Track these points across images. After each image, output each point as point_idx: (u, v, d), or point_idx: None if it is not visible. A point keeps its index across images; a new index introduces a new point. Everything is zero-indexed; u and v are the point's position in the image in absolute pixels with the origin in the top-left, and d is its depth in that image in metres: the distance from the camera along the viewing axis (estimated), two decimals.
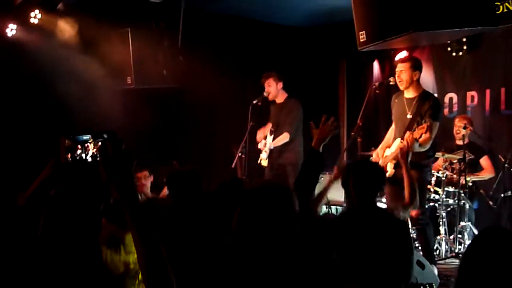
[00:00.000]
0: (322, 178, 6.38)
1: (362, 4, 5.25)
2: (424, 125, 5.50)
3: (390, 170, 5.80)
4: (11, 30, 7.22)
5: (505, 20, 7.51)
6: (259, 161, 7.36)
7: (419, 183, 5.52)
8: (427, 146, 5.81)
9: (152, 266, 1.84)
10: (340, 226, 3.91)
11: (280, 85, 7.36)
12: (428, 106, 5.83)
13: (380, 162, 5.87)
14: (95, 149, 1.99)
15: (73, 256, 2.06)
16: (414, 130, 5.59)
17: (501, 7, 7.47)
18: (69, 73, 7.10)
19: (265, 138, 7.34)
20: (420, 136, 5.50)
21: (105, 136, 1.98)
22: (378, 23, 5.10)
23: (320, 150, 3.81)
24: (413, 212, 5.45)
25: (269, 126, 7.36)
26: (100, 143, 1.96)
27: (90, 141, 1.99)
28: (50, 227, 2.04)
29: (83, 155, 2.01)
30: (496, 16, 5.33)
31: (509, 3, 7.44)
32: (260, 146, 7.38)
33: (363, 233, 3.73)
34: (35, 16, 7.17)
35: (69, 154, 2.00)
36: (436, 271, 5.41)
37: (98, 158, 1.92)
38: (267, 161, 7.28)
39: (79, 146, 2.00)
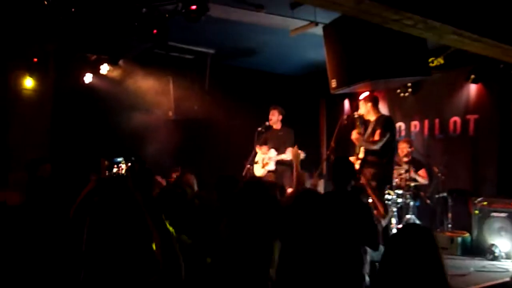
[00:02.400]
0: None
1: (332, 60, 5.23)
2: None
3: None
4: (88, 78, 7.26)
5: (437, 70, 7.49)
6: (256, 173, 7.20)
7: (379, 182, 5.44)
8: (376, 147, 5.62)
9: (166, 254, 1.78)
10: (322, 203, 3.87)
11: (281, 117, 7.32)
12: (382, 121, 5.72)
13: None
14: (126, 168, 1.97)
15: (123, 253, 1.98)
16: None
17: (435, 61, 7.44)
18: (127, 109, 7.13)
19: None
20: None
21: (133, 158, 1.96)
22: (344, 74, 5.05)
23: None
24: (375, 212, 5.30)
25: (263, 147, 7.23)
26: (129, 164, 1.94)
27: (122, 162, 1.97)
28: (95, 227, 1.97)
29: (119, 171, 1.99)
30: (429, 68, 5.27)
31: (441, 58, 7.39)
32: (264, 157, 7.20)
33: (336, 208, 3.67)
34: (104, 69, 7.22)
35: (107, 171, 1.98)
36: None
37: (128, 175, 1.90)
38: (265, 172, 7.15)
39: (115, 166, 1.98)
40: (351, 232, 3.61)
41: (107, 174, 2.01)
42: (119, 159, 2.00)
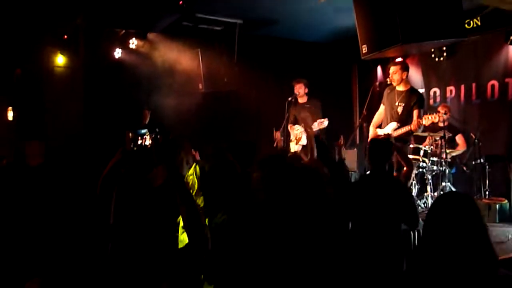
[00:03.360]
0: None
1: (363, 25, 5.07)
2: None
3: None
4: (117, 53, 7.30)
5: (473, 32, 7.21)
6: (289, 148, 7.14)
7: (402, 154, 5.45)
8: (420, 130, 5.71)
9: (192, 226, 1.78)
10: (360, 186, 3.97)
11: (307, 90, 7.20)
12: (415, 99, 5.68)
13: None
14: (150, 140, 1.97)
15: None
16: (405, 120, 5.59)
17: (471, 22, 7.15)
18: (156, 83, 7.15)
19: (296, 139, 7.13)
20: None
21: (157, 130, 1.96)
22: (375, 39, 4.90)
23: None
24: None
25: (294, 126, 7.13)
26: (153, 135, 1.94)
27: (146, 134, 1.97)
28: (122, 200, 1.98)
29: (144, 143, 1.98)
30: (465, 29, 5.04)
31: (477, 20, 7.10)
32: (296, 133, 7.12)
33: (375, 190, 3.72)
34: (133, 43, 7.24)
35: (133, 143, 1.98)
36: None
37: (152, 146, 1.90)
38: (299, 147, 7.06)
39: (139, 138, 1.98)
40: (391, 212, 3.65)
41: (132, 146, 2.01)
42: (143, 131, 2.00)
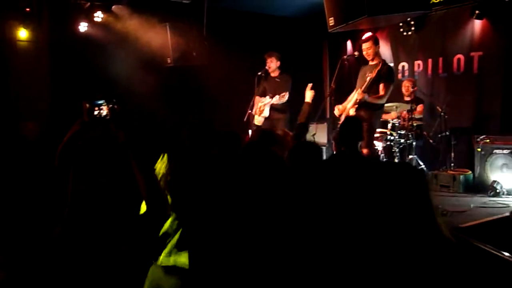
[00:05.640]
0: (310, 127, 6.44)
1: None
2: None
3: (352, 112, 5.73)
4: (83, 26, 7.15)
5: (440, 6, 7.32)
6: (254, 122, 7.19)
7: (370, 125, 5.57)
8: (382, 101, 5.81)
9: (150, 192, 1.80)
10: (330, 165, 3.89)
11: (279, 63, 7.20)
12: (385, 71, 5.77)
13: (344, 114, 5.84)
14: (107, 110, 1.97)
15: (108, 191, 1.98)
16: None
17: None
18: (123, 56, 7.05)
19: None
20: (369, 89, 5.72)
21: (114, 100, 1.96)
22: (341, 11, 4.94)
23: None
24: (364, 150, 5.39)
25: (262, 98, 7.18)
26: (110, 105, 1.95)
27: (104, 104, 1.97)
28: (80, 174, 1.97)
29: (101, 114, 1.99)
30: (428, 2, 5.13)
31: None
32: (260, 105, 7.16)
33: (347, 169, 3.69)
34: (98, 16, 7.09)
35: (89, 114, 1.98)
36: None
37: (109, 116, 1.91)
38: (261, 119, 7.12)
39: (96, 108, 1.98)
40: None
41: (89, 117, 2.01)
42: (100, 102, 2.00)
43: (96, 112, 1.99)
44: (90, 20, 7.14)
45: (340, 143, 4.02)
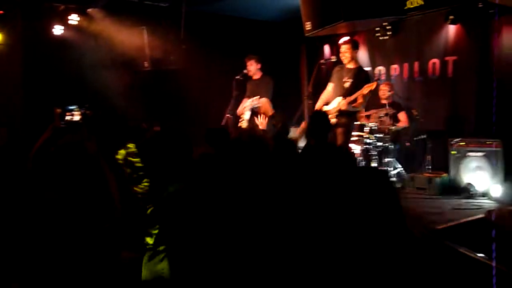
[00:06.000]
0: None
1: (307, 1, 5.12)
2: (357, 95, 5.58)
3: (333, 120, 5.79)
4: (57, 29, 7.05)
5: (416, 11, 7.44)
6: (239, 125, 7.19)
7: (347, 129, 5.64)
8: (360, 108, 5.90)
9: (122, 195, 1.78)
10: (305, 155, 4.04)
11: (259, 66, 7.21)
12: (363, 77, 5.85)
13: None
14: (80, 115, 1.95)
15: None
16: (351, 95, 5.74)
17: (413, 1, 7.37)
18: (99, 60, 6.96)
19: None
20: (353, 101, 5.71)
21: (86, 105, 1.94)
22: (318, 16, 4.97)
23: None
24: None
25: (245, 100, 7.19)
26: (83, 111, 1.92)
27: (76, 109, 1.95)
28: (53, 179, 1.94)
29: (73, 119, 1.96)
30: (403, 8, 5.21)
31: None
32: (244, 107, 7.16)
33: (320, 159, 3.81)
34: (73, 19, 7.00)
35: (61, 120, 1.95)
36: None
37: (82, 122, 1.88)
38: (247, 123, 7.12)
39: (68, 113, 1.95)
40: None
41: (60, 122, 1.97)
42: (72, 107, 1.97)
43: (68, 118, 1.96)
44: (65, 23, 7.04)
45: (310, 136, 4.10)
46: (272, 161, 2.74)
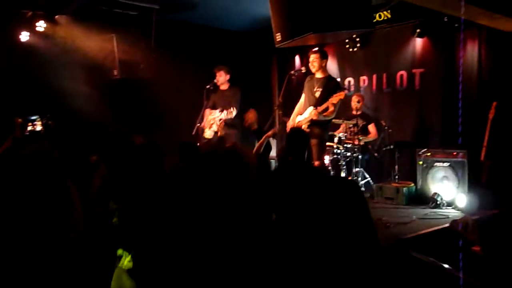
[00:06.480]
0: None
1: (277, 13, 5.16)
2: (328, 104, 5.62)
3: (305, 129, 5.85)
4: (24, 36, 6.89)
5: (384, 24, 7.60)
6: (203, 135, 7.18)
7: (321, 140, 5.69)
8: (332, 117, 5.95)
9: (85, 207, 1.74)
10: (280, 174, 4.02)
11: (228, 76, 7.27)
12: (333, 86, 5.92)
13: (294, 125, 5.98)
14: (41, 125, 1.90)
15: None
16: (322, 105, 5.77)
17: (382, 14, 7.52)
18: (66, 67, 6.82)
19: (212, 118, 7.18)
20: (324, 110, 5.74)
21: (48, 115, 1.89)
22: (288, 27, 5.01)
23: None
24: (316, 162, 5.51)
25: (212, 111, 7.19)
26: (45, 121, 1.88)
27: (37, 119, 1.90)
28: (13, 190, 1.88)
29: (34, 129, 1.91)
30: (372, 20, 5.30)
31: (387, 12, 7.48)
32: (209, 119, 7.15)
33: (297, 179, 3.78)
34: (41, 26, 6.87)
35: (21, 130, 1.90)
36: None
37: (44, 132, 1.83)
38: (212, 133, 7.12)
39: (29, 124, 1.91)
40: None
41: (21, 133, 1.92)
42: (34, 117, 1.92)
43: (29, 128, 1.91)
44: (32, 29, 6.89)
45: (288, 153, 4.10)
46: (247, 176, 2.72)
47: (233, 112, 6.88)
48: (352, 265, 1.83)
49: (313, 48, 6.28)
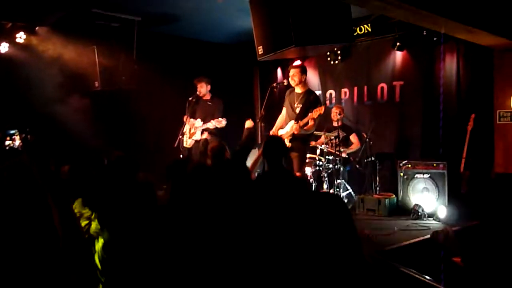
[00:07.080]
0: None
1: (259, 26, 5.21)
2: (308, 119, 5.65)
3: (287, 143, 5.84)
4: (3, 47, 6.82)
5: (364, 37, 7.71)
6: (184, 144, 7.20)
7: (302, 152, 5.72)
8: (313, 130, 5.98)
9: (65, 229, 1.71)
10: (259, 183, 4.03)
11: (209, 87, 7.34)
12: (312, 100, 5.95)
13: None
14: (20, 140, 1.87)
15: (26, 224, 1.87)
16: (302, 119, 5.78)
17: (362, 28, 7.63)
18: (46, 79, 6.74)
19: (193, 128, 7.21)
20: (305, 125, 5.77)
21: (27, 129, 1.87)
22: (270, 40, 5.05)
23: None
24: (297, 174, 5.53)
25: (192, 120, 7.21)
26: (23, 135, 1.85)
27: (16, 134, 1.87)
28: None
29: (12, 144, 1.88)
30: (353, 35, 5.38)
31: (368, 26, 7.59)
32: (189, 128, 7.18)
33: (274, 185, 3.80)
34: (20, 37, 6.80)
35: (0, 144, 1.87)
36: None
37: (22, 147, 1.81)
38: (192, 142, 7.15)
39: (8, 138, 1.88)
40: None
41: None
42: (12, 131, 1.89)
43: (7, 143, 1.88)
44: (12, 41, 6.81)
45: (264, 161, 4.13)
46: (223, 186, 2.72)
47: (223, 121, 6.95)
48: (337, 281, 1.83)
49: (294, 63, 6.34)
